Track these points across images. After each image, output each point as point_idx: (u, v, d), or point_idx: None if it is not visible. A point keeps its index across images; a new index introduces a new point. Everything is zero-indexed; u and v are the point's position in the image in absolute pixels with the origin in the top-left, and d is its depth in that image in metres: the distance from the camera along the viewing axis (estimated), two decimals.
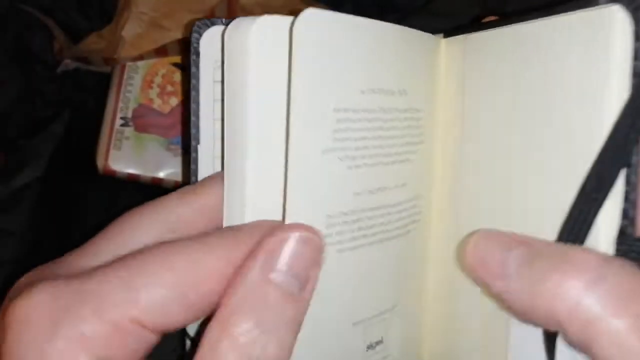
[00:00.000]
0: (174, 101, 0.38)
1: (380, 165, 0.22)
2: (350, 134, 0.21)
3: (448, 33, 0.25)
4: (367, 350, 0.23)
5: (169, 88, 0.38)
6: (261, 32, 0.19)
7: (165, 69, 0.38)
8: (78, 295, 0.17)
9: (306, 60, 0.20)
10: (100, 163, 0.36)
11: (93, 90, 0.39)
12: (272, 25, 0.20)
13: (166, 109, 0.38)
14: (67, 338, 0.16)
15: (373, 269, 0.22)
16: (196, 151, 0.22)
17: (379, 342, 0.23)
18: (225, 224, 0.20)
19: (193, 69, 0.22)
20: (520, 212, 0.22)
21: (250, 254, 0.17)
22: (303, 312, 0.18)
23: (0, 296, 0.20)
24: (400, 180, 0.23)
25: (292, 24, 0.19)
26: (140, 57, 0.37)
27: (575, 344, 0.16)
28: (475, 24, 0.24)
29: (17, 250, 0.33)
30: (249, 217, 0.19)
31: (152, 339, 0.17)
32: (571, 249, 0.18)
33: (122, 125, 0.37)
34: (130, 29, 0.35)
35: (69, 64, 0.38)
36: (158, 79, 0.37)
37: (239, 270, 0.17)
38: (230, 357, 0.16)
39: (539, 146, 0.21)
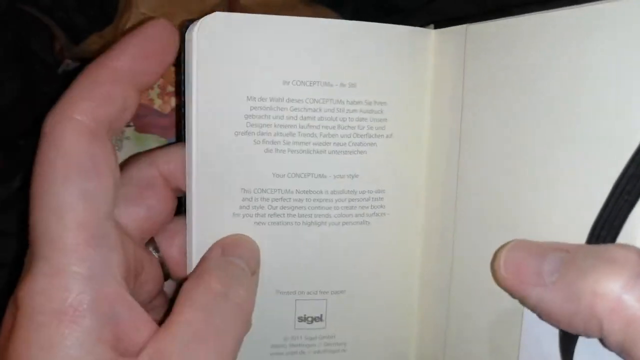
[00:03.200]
0: (175, 101, 0.38)
1: (313, 153, 0.24)
2: (267, 120, 0.24)
3: (440, 24, 0.25)
4: (299, 321, 0.26)
5: (169, 88, 0.37)
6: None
7: None
8: None
9: (210, 56, 0.23)
10: None
11: None
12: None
13: (166, 109, 0.38)
14: None
15: (306, 249, 0.25)
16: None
17: (316, 319, 0.26)
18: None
19: (183, 65, 0.25)
20: (530, 219, 0.21)
21: (208, 250, 0.25)
22: (255, 286, 0.24)
23: (3, 298, 0.20)
24: (347, 170, 0.25)
25: (198, 26, 0.23)
26: None
27: (617, 347, 0.16)
28: (476, 14, 0.23)
29: (17, 252, 0.33)
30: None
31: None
32: (609, 247, 0.17)
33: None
34: (131, 29, 0.35)
35: (69, 64, 0.38)
36: (158, 79, 0.37)
37: (210, 251, 0.25)
38: (207, 298, 0.21)
39: (560, 146, 0.20)
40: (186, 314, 0.21)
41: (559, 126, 0.20)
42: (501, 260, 0.20)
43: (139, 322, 0.20)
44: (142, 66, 0.22)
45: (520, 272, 0.19)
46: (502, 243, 0.23)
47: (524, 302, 0.19)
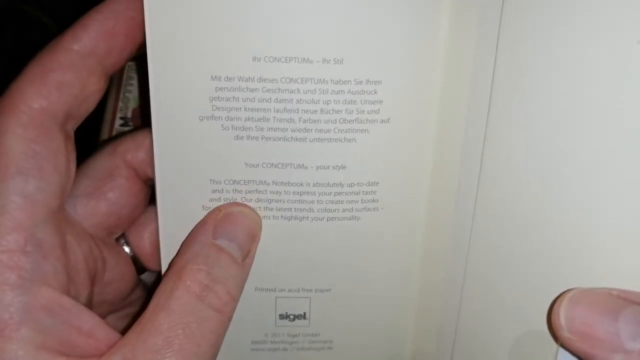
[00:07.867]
0: None
1: (291, 141, 0.22)
2: (236, 103, 0.21)
3: None
4: (280, 319, 0.24)
5: None
6: None
7: None
8: None
9: (165, 27, 0.20)
10: None
11: None
12: None
13: None
14: None
15: (286, 244, 0.23)
16: None
17: (299, 317, 0.24)
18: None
19: None
20: (573, 221, 0.18)
21: (202, 222, 0.22)
22: (246, 274, 0.22)
23: None
24: (332, 161, 0.22)
25: None
26: None
27: None
28: None
29: None
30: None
31: None
32: None
33: (122, 125, 0.37)
34: None
35: None
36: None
37: (192, 233, 0.21)
38: (184, 300, 0.19)
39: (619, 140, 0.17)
40: (160, 319, 0.19)
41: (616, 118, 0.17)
42: (561, 317, 0.17)
43: (89, 325, 0.19)
44: (105, 46, 0.19)
45: (590, 335, 0.17)
46: (533, 248, 0.20)
47: None
